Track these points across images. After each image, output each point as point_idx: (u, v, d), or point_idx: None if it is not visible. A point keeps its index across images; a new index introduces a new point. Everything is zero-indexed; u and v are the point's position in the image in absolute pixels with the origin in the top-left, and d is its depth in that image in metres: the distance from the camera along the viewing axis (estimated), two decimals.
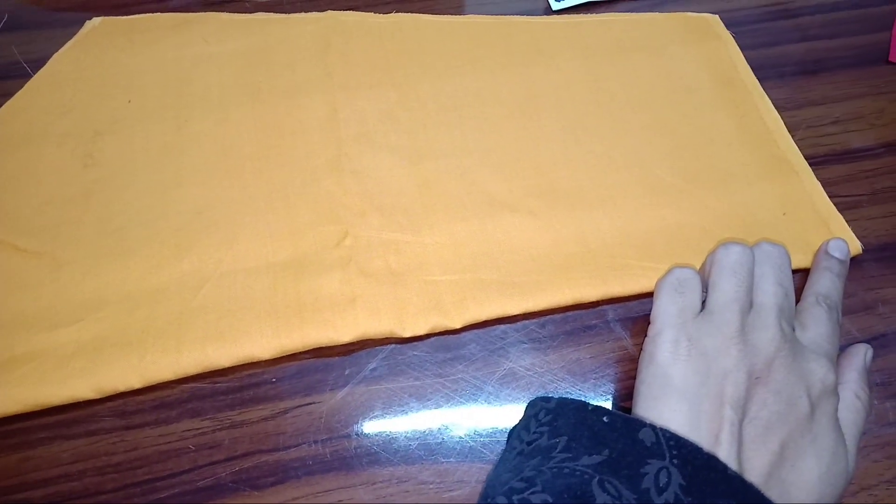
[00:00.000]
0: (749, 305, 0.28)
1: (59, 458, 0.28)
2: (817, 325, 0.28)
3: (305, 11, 0.42)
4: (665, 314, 0.28)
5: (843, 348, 0.29)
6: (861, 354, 0.29)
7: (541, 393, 0.30)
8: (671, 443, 0.23)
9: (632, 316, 0.32)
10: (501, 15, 0.42)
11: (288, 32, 0.41)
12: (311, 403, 0.30)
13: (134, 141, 0.37)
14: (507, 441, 0.26)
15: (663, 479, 0.22)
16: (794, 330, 0.28)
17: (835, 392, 0.26)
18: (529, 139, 0.37)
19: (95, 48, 0.40)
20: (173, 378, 0.30)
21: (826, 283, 0.30)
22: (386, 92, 0.39)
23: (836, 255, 0.32)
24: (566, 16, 0.43)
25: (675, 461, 0.22)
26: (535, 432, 0.25)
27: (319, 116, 0.38)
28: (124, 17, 0.42)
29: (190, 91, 0.39)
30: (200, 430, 0.29)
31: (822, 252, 0.32)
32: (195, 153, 0.36)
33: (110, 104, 0.38)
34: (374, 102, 0.38)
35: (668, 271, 0.29)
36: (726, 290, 0.28)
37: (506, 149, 0.37)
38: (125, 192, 0.35)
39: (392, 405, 0.30)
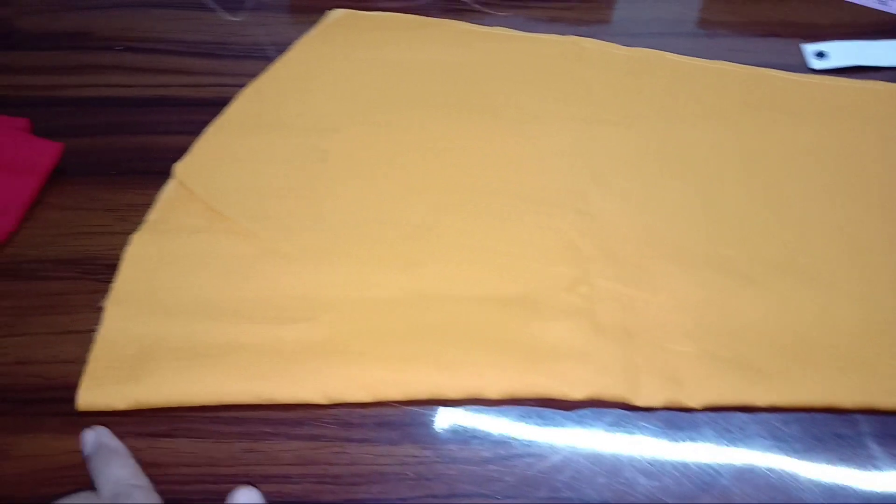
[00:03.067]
0: None
1: (281, 458, 0.28)
2: None
3: (547, 29, 0.41)
4: None
5: None
6: None
7: (785, 499, 0.27)
8: None
9: (893, 434, 0.29)
10: (754, 66, 0.40)
11: (528, 52, 0.40)
12: (533, 454, 0.28)
13: (368, 142, 0.37)
14: None
15: None
16: None
17: None
18: (772, 204, 0.35)
19: (337, 40, 0.41)
20: (400, 399, 0.29)
21: None
22: (625, 132, 0.37)
23: None
24: (826, 77, 0.39)
25: None
26: None
27: (556, 148, 0.36)
28: (366, 13, 0.42)
29: (426, 99, 0.38)
30: (420, 460, 0.28)
31: None
32: (428, 165, 0.36)
33: (348, 100, 0.38)
34: (613, 141, 0.37)
35: None
36: None
37: (746, 211, 0.34)
38: (357, 194, 0.35)
39: (618, 477, 0.28)
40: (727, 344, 0.30)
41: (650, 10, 0.43)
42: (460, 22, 0.41)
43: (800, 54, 0.41)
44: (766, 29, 0.42)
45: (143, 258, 0.32)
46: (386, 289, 0.32)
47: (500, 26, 0.41)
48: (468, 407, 0.29)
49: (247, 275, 0.32)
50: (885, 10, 0.42)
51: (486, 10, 0.42)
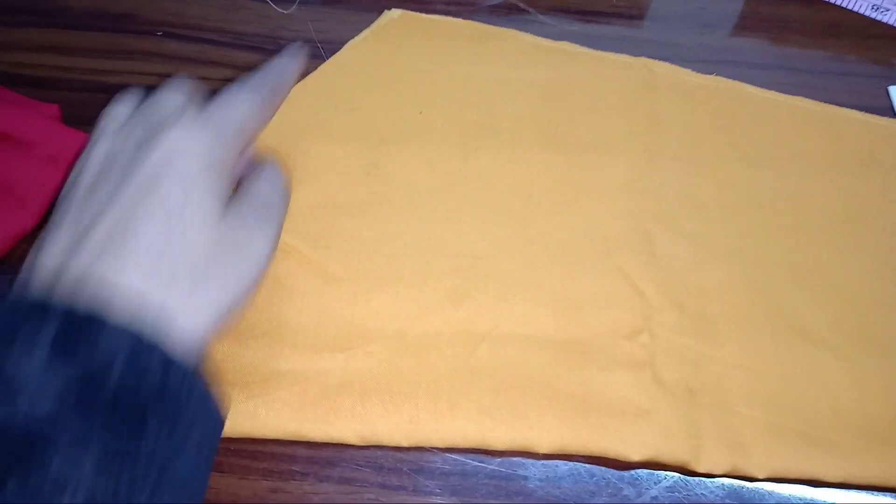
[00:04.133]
0: None
1: (309, 500, 0.26)
2: None
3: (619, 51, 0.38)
4: None
5: None
6: None
7: None
8: None
9: None
10: (834, 104, 0.37)
11: (594, 73, 0.37)
12: None
13: (419, 160, 0.34)
14: None
15: None
16: None
17: None
18: (844, 264, 0.32)
19: (391, 44, 0.38)
20: (440, 446, 0.27)
21: None
22: (694, 169, 0.34)
23: None
24: None
25: None
26: None
27: (619, 179, 0.34)
28: (424, 16, 0.39)
29: (480, 118, 0.35)
30: None
31: None
32: (480, 190, 0.33)
33: (400, 111, 0.36)
34: (680, 179, 0.34)
35: None
36: None
37: (831, 271, 0.32)
38: (404, 216, 0.32)
39: None
40: (795, 414, 0.28)
41: (728, 40, 0.40)
42: (525, 34, 0.39)
43: (883, 96, 0.38)
44: (845, 67, 0.39)
45: None
46: (430, 322, 0.30)
47: (567, 40, 0.39)
48: (513, 459, 0.27)
49: (286, 295, 0.30)
50: None
51: (552, 23, 0.40)
